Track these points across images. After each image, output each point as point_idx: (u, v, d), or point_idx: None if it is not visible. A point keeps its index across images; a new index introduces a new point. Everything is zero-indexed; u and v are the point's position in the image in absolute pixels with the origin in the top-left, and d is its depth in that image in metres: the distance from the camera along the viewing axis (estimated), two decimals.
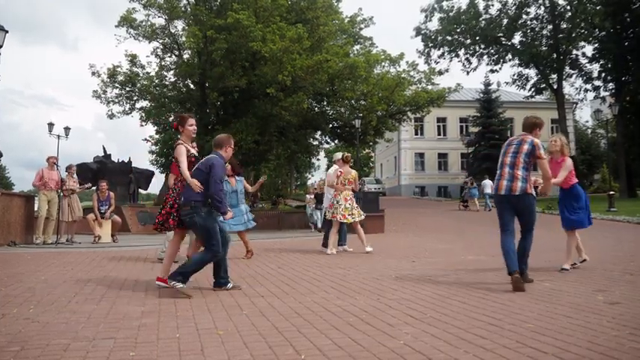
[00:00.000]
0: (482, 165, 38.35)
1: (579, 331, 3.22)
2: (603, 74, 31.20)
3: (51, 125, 27.51)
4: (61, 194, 10.78)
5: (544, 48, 31.69)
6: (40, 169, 10.73)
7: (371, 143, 33.74)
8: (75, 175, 11.54)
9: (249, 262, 7.28)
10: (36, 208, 10.96)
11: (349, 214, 8.45)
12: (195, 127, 5.40)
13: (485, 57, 34.24)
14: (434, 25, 33.78)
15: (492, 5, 32.33)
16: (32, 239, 10.61)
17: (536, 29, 32.43)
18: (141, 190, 17.73)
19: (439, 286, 5.08)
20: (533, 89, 34.18)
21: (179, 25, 24.26)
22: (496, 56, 33.86)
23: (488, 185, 25.33)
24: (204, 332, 3.34)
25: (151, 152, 37.77)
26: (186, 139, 5.28)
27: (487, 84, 40.94)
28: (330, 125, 27.48)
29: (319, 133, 28.63)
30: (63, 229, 10.98)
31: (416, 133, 45.66)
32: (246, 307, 4.17)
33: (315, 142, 30.55)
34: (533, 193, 5.18)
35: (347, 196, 8.51)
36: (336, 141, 31.63)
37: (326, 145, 34.52)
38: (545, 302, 4.16)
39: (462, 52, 34.10)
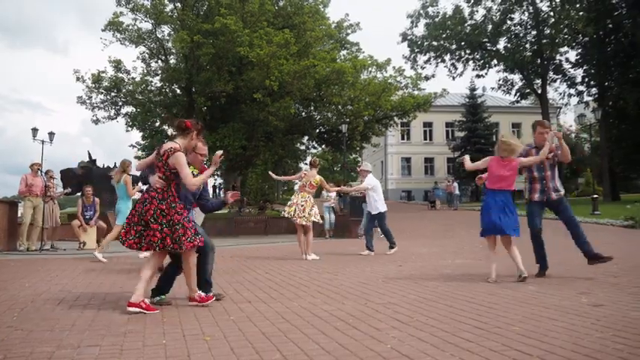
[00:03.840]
0: None
1: (564, 333, 3.25)
2: (586, 79, 31.67)
3: (35, 130, 27.29)
4: (44, 200, 10.66)
5: (528, 53, 32.07)
6: (24, 175, 10.61)
7: (358, 148, 33.89)
8: (54, 180, 11.41)
9: (236, 268, 7.25)
10: (19, 214, 10.83)
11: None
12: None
13: (470, 62, 34.59)
14: (420, 30, 34.08)
15: (477, 11, 32.70)
16: (16, 246, 10.46)
17: (521, 35, 32.83)
18: None
19: (426, 289, 5.10)
20: (518, 94, 34.61)
21: (165, 30, 24.23)
22: (481, 61, 34.20)
23: (456, 187, 29.24)
24: (191, 338, 3.32)
25: (137, 158, 37.55)
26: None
27: (473, 89, 41.33)
28: (317, 130, 27.57)
29: (306, 138, 28.74)
30: (46, 235, 10.86)
31: (402, 138, 45.94)
32: (233, 312, 4.15)
33: (302, 147, 30.65)
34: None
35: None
36: (323, 146, 31.73)
37: (313, 150, 34.57)
38: (531, 305, 4.20)
39: (447, 57, 34.43)
